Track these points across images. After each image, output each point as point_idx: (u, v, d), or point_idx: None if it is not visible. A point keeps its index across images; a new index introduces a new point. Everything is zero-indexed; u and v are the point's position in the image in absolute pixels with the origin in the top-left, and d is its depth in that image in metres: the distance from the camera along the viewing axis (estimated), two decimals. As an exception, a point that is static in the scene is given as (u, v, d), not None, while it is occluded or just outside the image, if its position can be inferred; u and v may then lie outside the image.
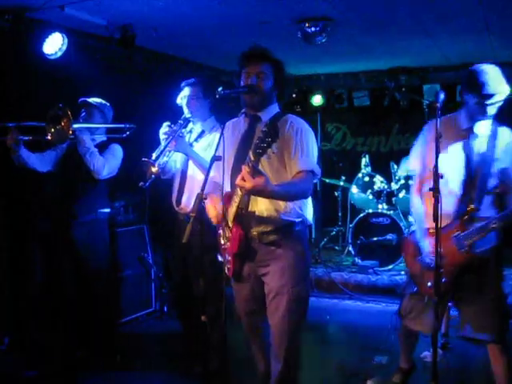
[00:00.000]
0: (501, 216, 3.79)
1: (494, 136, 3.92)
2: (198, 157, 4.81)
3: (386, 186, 8.72)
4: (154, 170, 4.69)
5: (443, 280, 3.67)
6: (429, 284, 3.92)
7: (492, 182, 3.90)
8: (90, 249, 5.17)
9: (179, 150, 4.80)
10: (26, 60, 5.48)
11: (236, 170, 3.58)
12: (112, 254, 5.64)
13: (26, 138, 4.93)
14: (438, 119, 3.58)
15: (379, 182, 8.79)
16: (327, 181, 9.37)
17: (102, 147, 5.20)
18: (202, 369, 3.47)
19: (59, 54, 5.48)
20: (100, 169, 5.03)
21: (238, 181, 3.25)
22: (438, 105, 3.64)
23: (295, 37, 6.09)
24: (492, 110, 3.84)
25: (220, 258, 3.84)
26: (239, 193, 3.42)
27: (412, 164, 4.23)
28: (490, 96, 3.77)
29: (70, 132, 4.84)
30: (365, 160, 9.17)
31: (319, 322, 6.59)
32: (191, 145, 4.98)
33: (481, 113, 3.84)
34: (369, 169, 9.10)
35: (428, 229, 4.02)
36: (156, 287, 6.87)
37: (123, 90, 6.02)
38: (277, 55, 3.71)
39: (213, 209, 3.78)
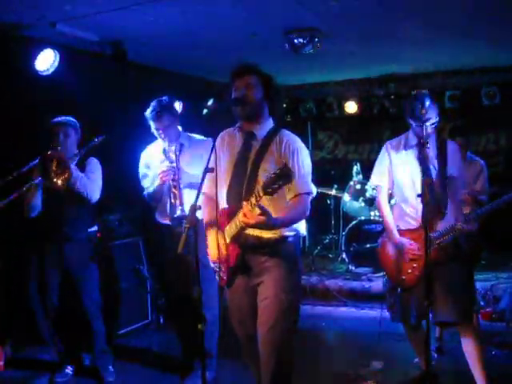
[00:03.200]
0: (463, 220, 4.30)
1: (442, 147, 4.45)
2: (191, 177, 4.83)
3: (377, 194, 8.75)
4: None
5: (416, 273, 4.37)
6: (403, 277, 4.46)
7: (450, 190, 4.40)
8: (83, 266, 5.18)
9: (186, 184, 4.90)
10: (18, 77, 5.51)
11: (234, 188, 3.71)
12: (108, 266, 5.64)
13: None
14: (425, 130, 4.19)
15: (371, 189, 8.83)
16: (319, 190, 9.40)
17: (81, 165, 5.14)
18: (201, 377, 3.47)
19: (51, 70, 5.54)
20: (93, 193, 5.05)
21: (241, 218, 3.38)
22: (423, 112, 4.22)
23: (284, 48, 6.15)
24: (431, 129, 4.37)
25: (212, 265, 3.88)
26: (240, 224, 3.50)
27: (377, 180, 4.79)
28: (427, 120, 4.26)
29: (68, 173, 4.82)
30: (356, 168, 9.23)
31: (314, 330, 6.63)
32: (179, 161, 4.96)
33: (421, 132, 4.28)
34: (360, 176, 9.15)
35: (398, 227, 4.59)
36: (152, 299, 6.89)
37: (115, 104, 6.06)
38: (267, 66, 3.78)
39: (214, 248, 3.76)
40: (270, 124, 3.82)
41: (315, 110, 10.18)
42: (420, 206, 4.19)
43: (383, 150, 4.71)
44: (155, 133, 4.97)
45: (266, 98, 3.76)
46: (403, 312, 4.52)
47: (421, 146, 4.37)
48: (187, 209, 4.90)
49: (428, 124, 4.25)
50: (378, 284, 7.85)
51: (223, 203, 3.79)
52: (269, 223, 3.35)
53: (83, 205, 5.12)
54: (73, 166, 4.97)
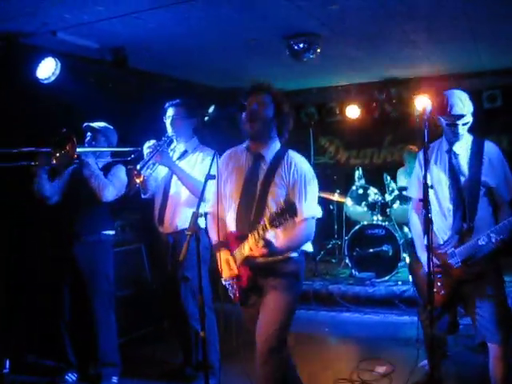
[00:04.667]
0: (494, 230, 3.94)
1: (477, 152, 4.13)
2: (181, 171, 4.90)
3: (380, 198, 8.76)
4: (138, 180, 4.80)
5: (442, 292, 4.10)
6: None
7: (484, 199, 4.10)
8: (92, 269, 5.21)
9: (163, 163, 4.89)
10: (19, 85, 5.52)
11: (243, 212, 3.81)
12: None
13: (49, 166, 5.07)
14: (426, 134, 3.82)
15: (373, 193, 8.83)
16: (321, 195, 9.40)
17: (107, 169, 5.28)
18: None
19: (52, 78, 5.54)
20: (104, 191, 5.09)
21: (247, 252, 3.58)
22: (426, 116, 3.90)
23: (284, 53, 6.15)
24: (462, 130, 4.08)
25: (224, 283, 3.94)
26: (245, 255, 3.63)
27: (411, 191, 4.58)
28: (459, 117, 4.01)
29: (75, 156, 4.92)
30: (358, 172, 9.23)
31: (318, 335, 6.62)
32: (178, 160, 5.08)
33: (453, 134, 4.08)
34: (362, 181, 9.15)
35: (427, 245, 4.13)
36: (155, 306, 6.87)
37: (117, 110, 6.06)
38: (267, 71, 3.83)
39: (225, 267, 3.82)
40: (277, 145, 3.89)
41: (316, 115, 10.18)
42: (448, 221, 4.15)
43: (416, 161, 4.45)
44: (167, 124, 5.09)
45: (276, 117, 3.82)
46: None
47: (449, 153, 4.17)
48: (172, 216, 5.01)
49: (460, 123, 4.03)
50: (381, 289, 7.85)
51: (231, 225, 3.89)
52: (273, 254, 3.59)
53: (98, 206, 5.18)
54: (93, 161, 5.11)
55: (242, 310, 4.04)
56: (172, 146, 5.10)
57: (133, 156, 5.21)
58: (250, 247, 3.53)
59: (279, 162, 3.79)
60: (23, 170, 5.02)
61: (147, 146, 4.95)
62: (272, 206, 3.67)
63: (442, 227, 4.18)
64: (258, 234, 3.44)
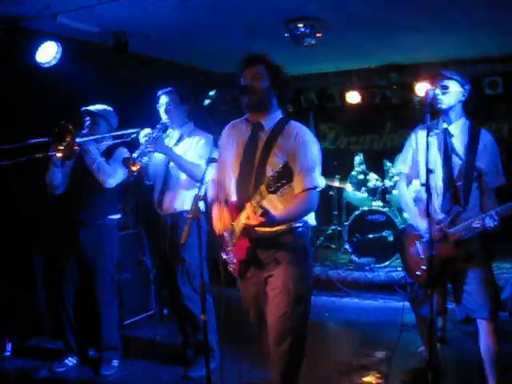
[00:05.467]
0: (483, 217, 4.02)
1: (474, 138, 4.19)
2: (177, 156, 4.96)
3: (380, 184, 8.79)
4: (134, 168, 4.76)
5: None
6: (417, 272, 4.31)
7: (475, 183, 4.19)
8: (97, 252, 5.25)
9: (159, 149, 4.93)
10: (20, 69, 5.51)
11: (242, 182, 3.71)
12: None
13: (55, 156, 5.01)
14: (428, 118, 3.91)
15: (373, 179, 8.86)
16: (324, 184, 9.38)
17: (109, 153, 5.29)
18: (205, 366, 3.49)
19: (53, 62, 5.54)
20: (107, 178, 5.13)
21: (244, 220, 3.42)
22: (428, 101, 3.98)
23: (285, 37, 6.14)
24: (447, 100, 4.18)
25: (223, 256, 3.89)
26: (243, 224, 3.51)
27: (402, 166, 4.59)
28: (440, 102, 4.17)
29: (76, 147, 4.93)
30: (358, 158, 9.24)
31: (318, 320, 6.63)
32: (175, 145, 5.13)
33: (437, 102, 4.17)
34: (363, 167, 9.17)
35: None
36: (155, 290, 6.91)
37: (118, 95, 6.05)
38: (270, 58, 3.76)
39: (219, 223, 3.79)
40: (278, 115, 3.79)
41: (317, 101, 10.15)
42: (439, 198, 4.20)
43: (409, 139, 4.51)
44: (161, 111, 5.13)
45: (273, 87, 3.72)
46: (418, 305, 4.48)
47: (444, 133, 4.24)
48: (172, 199, 5.03)
49: (442, 106, 4.17)
50: (380, 274, 7.88)
51: (232, 195, 3.81)
52: (271, 223, 3.44)
53: (102, 191, 5.20)
54: (94, 147, 5.12)
55: (241, 289, 3.93)
56: (168, 133, 5.17)
57: (134, 136, 5.21)
58: (247, 215, 3.40)
59: (279, 132, 3.67)
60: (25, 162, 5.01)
61: (143, 135, 4.98)
62: None
63: (434, 206, 4.21)
64: (256, 201, 3.33)
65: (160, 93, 5.14)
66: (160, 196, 5.15)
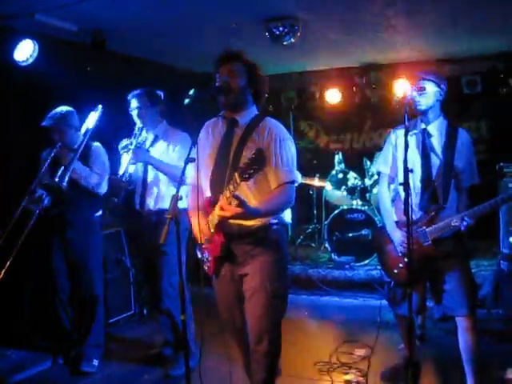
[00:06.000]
0: (463, 215, 4.07)
1: (451, 137, 4.25)
2: (157, 161, 5.03)
3: (359, 183, 8.82)
4: (122, 184, 4.96)
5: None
6: (395, 271, 4.37)
7: (453, 182, 4.23)
8: (85, 250, 5.29)
9: (140, 160, 5.03)
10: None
11: (217, 176, 3.69)
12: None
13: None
14: (406, 118, 3.91)
15: (353, 178, 8.88)
16: (302, 181, 9.41)
17: (86, 154, 5.24)
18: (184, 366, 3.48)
19: (30, 60, 5.49)
20: (98, 185, 5.20)
21: (218, 211, 3.37)
22: (406, 101, 4.02)
23: (264, 36, 6.13)
24: (425, 101, 4.22)
25: (199, 255, 3.87)
26: (217, 216, 3.47)
27: (382, 166, 4.63)
28: (418, 103, 4.22)
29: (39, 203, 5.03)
30: (338, 157, 9.26)
31: (298, 319, 6.67)
32: (148, 151, 5.14)
33: (415, 104, 4.23)
34: (342, 165, 9.20)
35: (397, 221, 4.44)
36: (135, 290, 6.88)
37: (96, 94, 6.00)
38: (247, 56, 3.75)
39: (197, 227, 3.69)
40: (253, 111, 3.79)
41: (297, 100, 10.15)
42: (417, 198, 4.24)
43: (388, 138, 4.56)
44: (133, 115, 5.16)
45: (249, 85, 3.71)
46: (396, 304, 4.51)
47: (423, 133, 4.29)
48: (154, 200, 5.05)
49: (420, 108, 4.22)
50: (360, 273, 7.91)
51: (206, 192, 3.78)
52: (246, 215, 3.36)
53: (88, 193, 5.22)
54: (76, 163, 5.09)
55: (216, 288, 3.91)
56: (143, 136, 5.20)
57: (100, 115, 5.22)
58: (220, 206, 3.35)
59: (254, 127, 3.66)
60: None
61: (121, 147, 5.07)
62: None
63: (412, 205, 4.18)
64: (229, 191, 3.30)
65: (130, 97, 5.15)
66: (141, 198, 5.19)
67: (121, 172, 5.02)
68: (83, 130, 5.26)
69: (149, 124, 5.15)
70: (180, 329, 3.45)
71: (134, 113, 5.13)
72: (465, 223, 4.03)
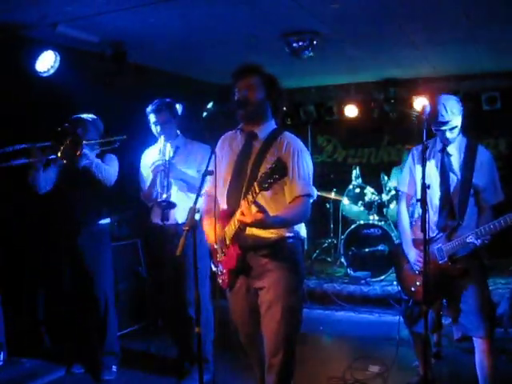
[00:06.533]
0: (479, 231, 3.99)
1: (471, 155, 4.19)
2: (187, 177, 5.02)
3: (376, 198, 8.77)
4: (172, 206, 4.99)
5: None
6: (412, 289, 4.33)
7: (472, 199, 4.18)
8: (97, 257, 5.30)
9: (176, 178, 5.00)
10: (18, 78, 5.50)
11: (234, 189, 3.70)
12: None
13: (50, 157, 5.07)
14: (425, 134, 3.84)
15: (370, 193, 8.84)
16: (318, 194, 9.37)
17: (100, 158, 5.30)
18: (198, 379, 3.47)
19: (51, 71, 5.53)
20: (107, 176, 5.19)
21: (239, 215, 3.38)
22: (425, 117, 3.93)
23: (283, 50, 6.15)
24: (451, 135, 4.16)
25: (214, 268, 3.87)
26: (237, 223, 3.48)
27: (401, 185, 4.62)
28: (443, 123, 4.10)
29: (78, 153, 4.98)
30: (355, 172, 9.23)
31: (312, 333, 6.63)
32: (173, 158, 5.08)
33: (443, 138, 4.19)
34: (359, 180, 9.16)
35: (414, 240, 4.40)
36: (150, 300, 6.88)
37: (115, 105, 6.06)
38: (266, 69, 3.76)
39: (212, 234, 3.76)
40: (272, 125, 3.80)
41: (315, 114, 10.15)
42: (435, 216, 4.20)
43: (409, 157, 4.51)
44: (153, 128, 5.14)
45: (268, 98, 3.73)
46: (412, 321, 4.47)
47: (442, 153, 4.25)
48: (179, 213, 5.02)
49: (445, 128, 4.11)
50: (376, 288, 7.86)
51: (223, 204, 3.79)
52: (265, 221, 3.36)
53: (97, 192, 5.24)
54: (89, 152, 5.15)
55: (230, 301, 3.92)
56: (167, 149, 5.13)
57: (118, 143, 5.31)
58: (241, 211, 3.36)
59: (272, 141, 3.68)
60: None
61: (155, 167, 4.99)
62: None
63: (430, 223, 4.13)
64: (249, 198, 3.32)
65: (149, 111, 5.12)
66: (165, 212, 5.10)
67: (165, 196, 4.97)
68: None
69: (168, 136, 5.12)
70: (200, 341, 3.42)
71: (156, 128, 5.11)
72: (479, 240, 3.97)
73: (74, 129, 5.07)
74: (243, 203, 3.38)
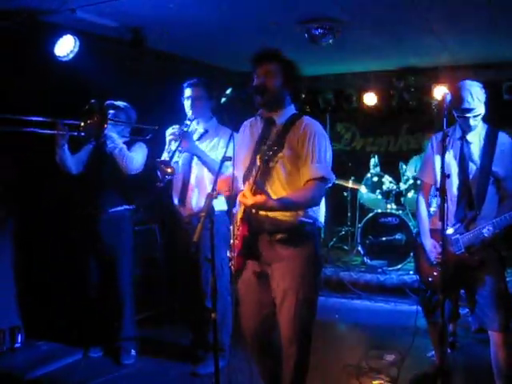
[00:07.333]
0: (493, 223, 3.97)
1: (490, 142, 4.11)
2: (204, 154, 4.89)
3: (394, 186, 8.74)
4: (169, 170, 4.75)
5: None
6: (429, 279, 4.31)
7: (492, 188, 4.11)
8: (117, 242, 5.35)
9: (190, 150, 4.87)
10: (37, 62, 5.52)
11: (249, 173, 3.68)
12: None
13: (71, 133, 5.09)
14: (445, 123, 3.76)
15: (388, 182, 8.81)
16: (336, 182, 9.35)
17: (128, 146, 5.31)
18: (214, 366, 3.47)
19: (71, 56, 5.53)
20: (129, 163, 5.17)
21: (240, 197, 3.40)
22: (445, 105, 3.85)
23: (303, 38, 6.13)
24: (474, 122, 4.07)
25: (228, 254, 3.87)
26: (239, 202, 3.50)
27: (421, 174, 4.57)
28: (468, 110, 4.01)
29: (105, 126, 4.99)
30: (374, 160, 9.20)
31: (328, 321, 6.63)
32: (198, 139, 5.06)
33: (465, 125, 4.10)
34: (378, 169, 9.14)
35: (432, 230, 4.34)
36: (167, 287, 6.90)
37: (134, 91, 6.05)
38: (285, 55, 3.74)
39: (224, 185, 3.71)
40: (291, 110, 3.79)
41: (334, 102, 10.09)
42: (453, 207, 4.15)
43: (429, 145, 4.43)
44: (185, 104, 5.02)
45: (286, 85, 3.70)
46: (430, 311, 4.46)
47: (462, 141, 4.18)
48: (196, 199, 4.98)
49: (470, 115, 4.02)
50: (392, 277, 7.85)
51: (241, 187, 3.79)
52: (265, 204, 3.36)
53: (121, 179, 5.26)
54: (116, 136, 5.19)
55: (239, 289, 3.89)
56: (192, 128, 5.02)
57: (150, 135, 5.26)
58: (243, 193, 3.37)
59: (291, 126, 3.66)
60: (46, 145, 5.09)
61: (170, 133, 4.89)
62: (280, 168, 3.58)
63: (448, 214, 4.11)
64: (253, 177, 3.34)
65: (186, 84, 5.04)
66: (182, 195, 5.08)
67: (167, 156, 4.81)
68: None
69: (200, 116, 5.01)
70: (216, 327, 3.42)
71: (188, 102, 4.99)
72: (490, 231, 3.95)
73: (101, 106, 5.07)
74: (247, 185, 3.38)
